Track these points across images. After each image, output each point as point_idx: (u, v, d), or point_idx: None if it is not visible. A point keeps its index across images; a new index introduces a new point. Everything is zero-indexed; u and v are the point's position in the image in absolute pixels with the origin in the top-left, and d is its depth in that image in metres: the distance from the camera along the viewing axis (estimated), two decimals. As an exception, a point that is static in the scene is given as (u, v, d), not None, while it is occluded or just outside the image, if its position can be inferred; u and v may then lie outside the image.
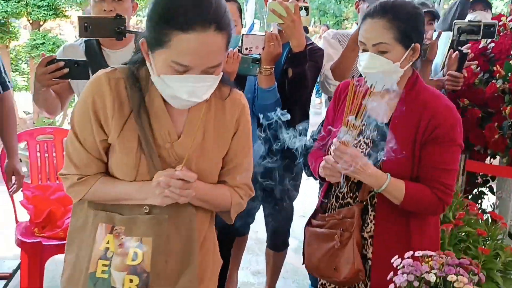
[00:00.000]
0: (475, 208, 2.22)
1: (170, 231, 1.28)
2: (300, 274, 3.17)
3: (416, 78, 1.57)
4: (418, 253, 1.30)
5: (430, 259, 1.30)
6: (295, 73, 2.26)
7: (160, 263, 1.27)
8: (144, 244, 1.26)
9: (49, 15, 4.68)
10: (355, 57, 2.19)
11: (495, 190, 2.73)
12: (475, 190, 2.77)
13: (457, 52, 2.43)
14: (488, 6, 3.66)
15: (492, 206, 2.73)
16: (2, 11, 4.63)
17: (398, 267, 1.30)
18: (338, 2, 27.61)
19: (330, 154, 1.50)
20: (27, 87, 5.43)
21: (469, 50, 2.58)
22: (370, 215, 1.60)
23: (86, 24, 1.81)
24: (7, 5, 4.66)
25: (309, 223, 1.76)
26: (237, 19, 2.29)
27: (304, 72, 2.25)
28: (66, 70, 1.81)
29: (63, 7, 4.60)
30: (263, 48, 2.16)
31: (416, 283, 1.25)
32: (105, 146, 1.29)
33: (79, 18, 1.85)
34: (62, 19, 4.94)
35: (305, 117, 2.41)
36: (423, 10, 2.80)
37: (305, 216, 2.02)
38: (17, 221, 2.63)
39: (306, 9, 2.27)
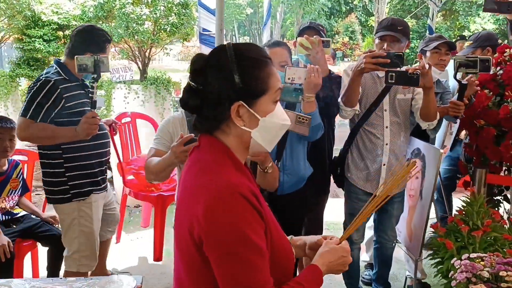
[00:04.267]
0: (499, 216, 2.56)
1: None
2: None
3: None
4: (473, 255, 1.63)
5: (481, 259, 1.64)
6: (324, 94, 2.68)
7: None
8: None
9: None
10: (358, 86, 2.66)
11: (510, 199, 3.07)
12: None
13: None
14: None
15: (508, 213, 3.07)
16: (44, 52, 5.03)
17: (458, 268, 1.62)
18: (328, 18, 28.38)
19: None
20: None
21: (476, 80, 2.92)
22: None
23: None
24: (49, 45, 5.07)
25: None
26: (287, 59, 2.62)
27: (332, 92, 2.71)
28: None
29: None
30: (305, 79, 2.50)
31: (473, 279, 1.58)
32: None
33: None
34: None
35: (331, 127, 2.99)
36: (441, 42, 3.21)
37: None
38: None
39: (327, 42, 2.69)
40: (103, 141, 2.80)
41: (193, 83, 1.25)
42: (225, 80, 1.21)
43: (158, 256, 3.64)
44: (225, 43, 1.28)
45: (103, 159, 2.82)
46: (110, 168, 3.05)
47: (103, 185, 2.83)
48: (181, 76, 14.22)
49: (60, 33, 5.40)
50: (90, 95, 2.58)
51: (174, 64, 21.23)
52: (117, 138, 4.00)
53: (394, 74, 2.51)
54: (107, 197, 3.00)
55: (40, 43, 5.08)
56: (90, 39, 2.67)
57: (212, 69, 1.23)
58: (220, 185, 1.16)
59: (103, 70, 2.58)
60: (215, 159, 1.23)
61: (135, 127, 4.45)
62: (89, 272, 2.89)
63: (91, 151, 2.70)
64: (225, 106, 1.21)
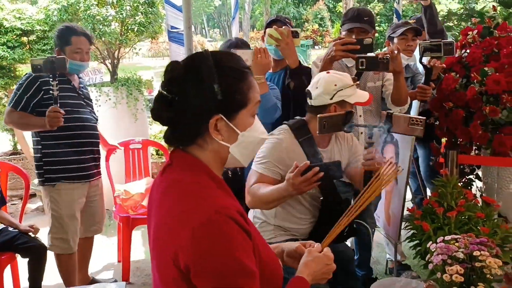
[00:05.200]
0: (472, 195, 2.63)
1: None
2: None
3: None
4: (447, 238, 1.68)
5: (455, 241, 1.69)
6: (296, 84, 2.69)
7: None
8: None
9: (53, 58, 4.93)
10: None
11: (481, 177, 3.15)
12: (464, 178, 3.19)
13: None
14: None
15: (480, 190, 3.16)
16: (9, 59, 4.91)
17: (434, 250, 1.67)
18: (297, 6, 28.46)
19: None
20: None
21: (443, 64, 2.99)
22: None
23: (324, 122, 1.99)
24: (14, 52, 4.96)
25: None
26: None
27: (303, 82, 2.68)
28: (322, 173, 1.87)
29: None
30: (253, 61, 2.50)
31: (449, 261, 1.63)
32: None
33: (320, 117, 1.99)
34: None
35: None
36: (407, 28, 3.26)
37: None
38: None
39: (296, 33, 2.70)
40: (81, 132, 3.03)
41: (166, 93, 1.14)
42: (205, 91, 1.11)
43: (126, 278, 3.51)
44: (201, 50, 1.23)
45: (78, 149, 3.02)
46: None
47: (74, 174, 3.01)
48: (153, 74, 14.10)
49: (25, 39, 5.27)
50: (50, 91, 2.78)
51: (145, 61, 20.98)
52: (118, 161, 3.99)
53: (364, 60, 2.52)
54: (92, 191, 3.20)
55: (4, 50, 4.96)
56: (57, 36, 3.02)
57: (190, 78, 1.13)
58: (207, 210, 1.06)
59: (59, 69, 2.75)
60: (196, 181, 1.13)
61: (146, 154, 4.28)
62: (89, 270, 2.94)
63: (64, 141, 2.96)
64: (204, 119, 1.13)
